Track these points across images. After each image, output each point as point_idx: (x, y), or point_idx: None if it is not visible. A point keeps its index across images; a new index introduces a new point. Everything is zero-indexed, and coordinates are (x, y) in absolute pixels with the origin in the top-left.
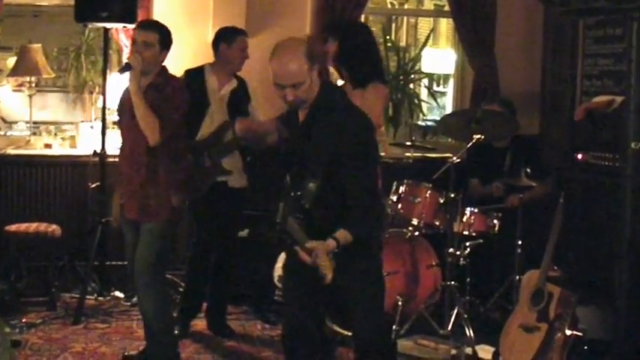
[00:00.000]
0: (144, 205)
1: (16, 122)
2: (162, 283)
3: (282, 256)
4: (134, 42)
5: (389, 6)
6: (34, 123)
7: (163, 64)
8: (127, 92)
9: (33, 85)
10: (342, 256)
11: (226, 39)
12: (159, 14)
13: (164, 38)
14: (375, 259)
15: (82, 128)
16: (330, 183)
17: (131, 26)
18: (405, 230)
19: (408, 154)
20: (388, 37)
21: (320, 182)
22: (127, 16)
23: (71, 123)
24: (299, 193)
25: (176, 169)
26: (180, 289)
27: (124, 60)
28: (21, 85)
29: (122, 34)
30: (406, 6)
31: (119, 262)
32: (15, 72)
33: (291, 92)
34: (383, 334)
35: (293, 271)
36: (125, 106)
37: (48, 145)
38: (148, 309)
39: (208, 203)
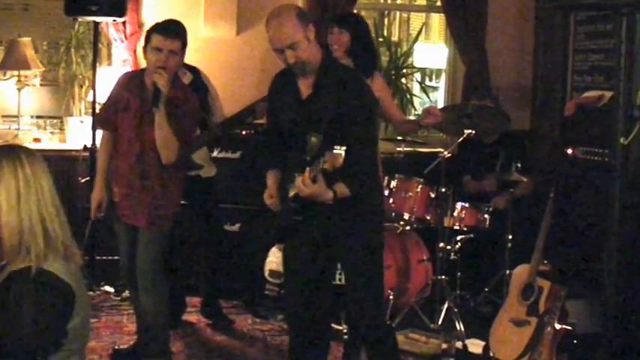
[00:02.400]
0: (156, 215)
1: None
2: (165, 282)
3: (274, 251)
4: (156, 49)
5: (381, 1)
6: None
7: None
8: (130, 89)
9: (22, 78)
10: (345, 226)
11: None
12: (148, 8)
13: (185, 44)
14: (378, 235)
15: (72, 122)
16: (332, 138)
17: (120, 20)
18: (396, 225)
19: (399, 149)
20: (380, 32)
21: (322, 136)
22: (116, 10)
23: (60, 117)
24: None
25: (182, 176)
26: None
27: (113, 54)
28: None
29: (112, 27)
30: (398, 1)
31: (109, 257)
32: (3, 66)
33: (290, 54)
34: (382, 316)
35: (293, 271)
36: (130, 109)
37: (37, 140)
38: (150, 307)
39: (186, 198)
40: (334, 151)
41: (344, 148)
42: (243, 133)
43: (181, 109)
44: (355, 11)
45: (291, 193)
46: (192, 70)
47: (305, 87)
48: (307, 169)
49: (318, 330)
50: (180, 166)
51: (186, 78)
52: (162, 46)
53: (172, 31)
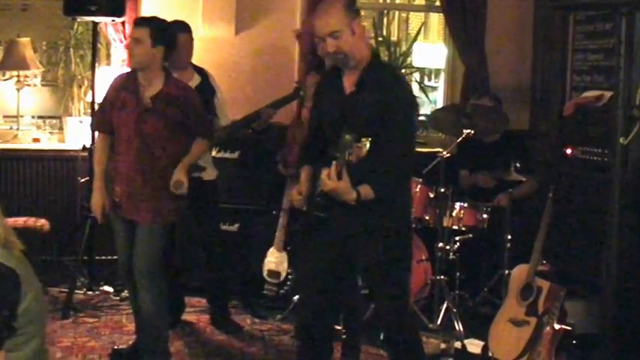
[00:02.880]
0: (158, 208)
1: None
2: (164, 280)
3: (272, 251)
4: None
5: (380, 0)
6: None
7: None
8: (126, 88)
9: (21, 79)
10: (368, 231)
11: None
12: (147, 8)
13: (156, 33)
14: (403, 242)
15: (71, 122)
16: (365, 136)
17: (119, 20)
18: None
19: None
20: (379, 32)
21: (356, 135)
22: (115, 10)
23: (59, 117)
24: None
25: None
26: None
27: (112, 54)
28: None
29: (111, 27)
30: (397, 0)
31: (108, 257)
32: (3, 66)
33: (331, 42)
34: (407, 324)
35: (310, 270)
36: (127, 107)
37: (36, 140)
38: (149, 305)
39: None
40: (359, 143)
41: (369, 139)
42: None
43: (187, 107)
44: None
45: (318, 189)
46: (201, 72)
47: (349, 84)
48: (334, 162)
49: (326, 331)
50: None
51: (194, 81)
52: (130, 34)
53: (137, 20)
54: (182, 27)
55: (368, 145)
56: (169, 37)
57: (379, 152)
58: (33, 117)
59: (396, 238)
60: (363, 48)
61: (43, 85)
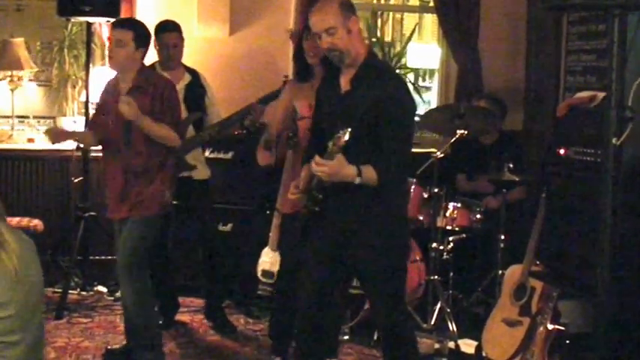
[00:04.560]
0: (137, 202)
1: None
2: (145, 278)
3: (266, 251)
4: (110, 40)
5: (374, 1)
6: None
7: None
8: (109, 93)
9: (15, 79)
10: (365, 229)
11: (156, 36)
12: (142, 9)
13: (139, 36)
14: (400, 242)
15: (65, 123)
16: (363, 134)
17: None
18: None
19: None
20: (373, 33)
21: (351, 132)
22: (109, 11)
23: (53, 118)
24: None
25: (167, 164)
26: None
27: (106, 54)
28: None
29: (105, 28)
30: (392, 1)
31: (102, 257)
32: None
33: (326, 39)
34: (403, 323)
35: (309, 269)
36: (110, 106)
37: (31, 140)
38: (130, 303)
39: (177, 198)
40: (339, 132)
41: (349, 129)
42: (236, 133)
43: (156, 95)
44: None
45: (314, 182)
46: (192, 72)
47: (345, 82)
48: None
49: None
50: (169, 156)
51: (184, 80)
52: (111, 36)
53: (119, 22)
54: (172, 26)
55: (347, 135)
56: (149, 39)
57: (377, 149)
58: (27, 117)
59: (392, 235)
60: (359, 46)
61: (37, 86)
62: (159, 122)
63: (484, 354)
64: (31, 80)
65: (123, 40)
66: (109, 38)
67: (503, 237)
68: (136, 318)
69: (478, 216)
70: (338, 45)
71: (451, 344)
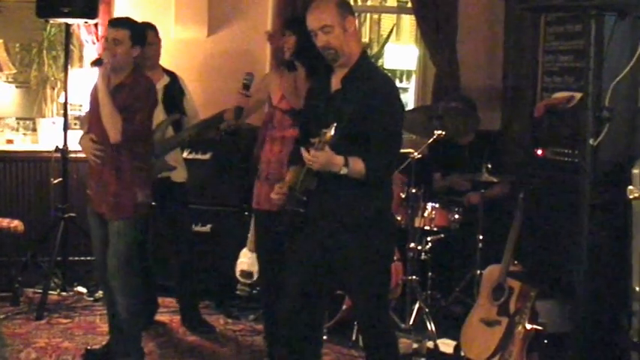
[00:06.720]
0: (115, 202)
1: None
2: (135, 280)
3: (245, 251)
4: (106, 39)
5: (352, 2)
6: None
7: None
8: (93, 90)
9: None
10: (349, 232)
11: None
12: (120, 10)
13: (135, 35)
14: (385, 246)
15: (44, 124)
16: (350, 134)
17: (92, 22)
18: None
19: None
20: None
21: (336, 127)
22: (88, 12)
23: (32, 119)
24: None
25: (140, 166)
26: None
27: (84, 56)
28: None
29: (83, 29)
30: (369, 2)
31: (82, 258)
32: None
33: (321, 37)
34: (384, 325)
35: (293, 272)
36: (93, 100)
37: (10, 141)
38: (123, 306)
39: (155, 200)
40: (325, 129)
41: (334, 124)
42: (214, 135)
43: (133, 92)
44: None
45: (299, 184)
46: (170, 74)
47: (336, 82)
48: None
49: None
50: (141, 157)
51: (163, 81)
52: (107, 35)
53: (117, 21)
54: (148, 26)
55: (333, 130)
56: (143, 39)
57: (366, 149)
58: (6, 118)
59: (376, 237)
60: (354, 46)
61: (15, 87)
62: (130, 119)
63: (463, 353)
64: (9, 82)
65: (120, 39)
66: (104, 37)
67: (481, 237)
68: (125, 319)
69: (456, 216)
70: (333, 44)
71: (430, 344)
